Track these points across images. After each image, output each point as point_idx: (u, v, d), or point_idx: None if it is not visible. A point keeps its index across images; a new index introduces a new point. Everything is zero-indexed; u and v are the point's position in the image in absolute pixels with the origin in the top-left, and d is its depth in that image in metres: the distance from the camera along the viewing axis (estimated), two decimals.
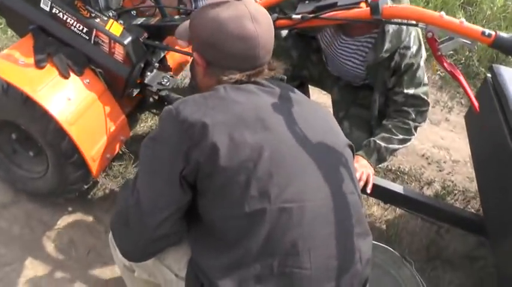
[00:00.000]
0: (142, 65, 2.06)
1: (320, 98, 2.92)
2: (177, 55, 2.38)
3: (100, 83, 2.00)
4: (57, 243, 2.14)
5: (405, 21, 1.69)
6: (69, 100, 1.89)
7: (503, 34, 1.38)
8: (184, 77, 3.07)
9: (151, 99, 2.30)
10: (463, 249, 2.39)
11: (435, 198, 2.63)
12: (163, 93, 2.12)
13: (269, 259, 1.18)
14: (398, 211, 2.49)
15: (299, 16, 1.72)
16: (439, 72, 3.59)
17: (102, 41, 1.93)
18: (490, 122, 2.11)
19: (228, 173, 1.17)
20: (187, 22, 1.42)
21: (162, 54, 2.22)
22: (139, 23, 2.06)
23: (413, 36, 1.93)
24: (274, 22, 1.52)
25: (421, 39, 1.96)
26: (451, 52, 3.68)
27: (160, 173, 1.22)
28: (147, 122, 2.75)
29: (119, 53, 1.94)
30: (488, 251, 2.31)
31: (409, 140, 2.05)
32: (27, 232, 2.16)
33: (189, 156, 1.17)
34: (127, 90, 2.08)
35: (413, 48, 1.93)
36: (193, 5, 2.23)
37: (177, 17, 2.11)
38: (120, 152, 2.31)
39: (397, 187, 2.21)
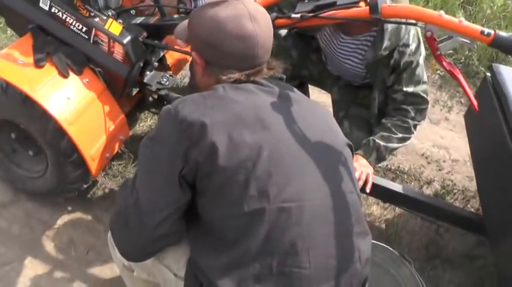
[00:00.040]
0: (141, 64, 2.06)
1: (320, 97, 2.92)
2: (177, 54, 2.38)
3: (99, 82, 2.00)
4: (57, 242, 2.14)
5: (404, 20, 1.69)
6: (69, 99, 1.89)
7: (503, 33, 1.38)
8: (183, 77, 3.07)
9: (150, 99, 2.29)
10: (462, 248, 2.39)
11: (435, 197, 2.62)
12: (162, 92, 2.11)
13: (268, 258, 1.17)
14: (398, 210, 2.49)
15: (298, 15, 1.73)
16: (438, 71, 3.58)
17: (102, 40, 1.93)
18: (490, 121, 2.10)
19: (227, 173, 1.17)
20: (186, 21, 1.41)
21: (162, 54, 2.22)
22: (138, 22, 2.06)
23: (413, 34, 1.93)
24: (273, 21, 1.53)
25: (420, 37, 1.95)
26: (451, 51, 3.67)
27: (160, 173, 1.22)
28: (147, 122, 2.75)
29: (118, 52, 1.94)
30: (488, 250, 2.30)
31: (409, 138, 2.05)
32: (27, 231, 2.16)
33: (188, 155, 1.17)
34: (126, 90, 2.08)
35: (413, 46, 1.93)
36: (192, 4, 2.23)
37: (176, 16, 2.11)
38: (120, 152, 2.32)
39: (397, 186, 2.21)
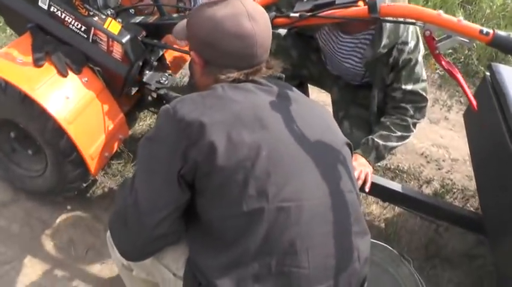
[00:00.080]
0: (140, 64, 2.06)
1: (320, 97, 2.92)
2: (176, 53, 2.38)
3: (98, 81, 2.00)
4: (56, 241, 2.14)
5: (403, 19, 1.69)
6: (68, 99, 1.89)
7: (501, 32, 1.38)
8: (183, 76, 3.08)
9: (149, 98, 2.29)
10: (462, 247, 2.39)
11: (434, 196, 2.63)
12: (161, 91, 2.12)
13: (267, 258, 1.17)
14: (397, 209, 2.49)
15: (297, 14, 1.73)
16: (438, 70, 3.59)
17: (101, 40, 1.93)
18: (489, 121, 2.10)
19: (226, 173, 1.17)
20: (184, 21, 1.41)
21: (161, 53, 2.22)
22: (137, 21, 2.06)
23: (411, 32, 1.93)
24: (271, 20, 1.53)
25: (419, 35, 1.95)
26: (450, 51, 3.67)
27: (158, 173, 1.22)
28: (146, 121, 2.75)
29: (117, 51, 1.94)
30: (487, 250, 2.30)
31: (408, 137, 2.04)
32: (27, 231, 2.16)
33: (187, 155, 1.17)
34: (125, 89, 2.08)
35: (411, 44, 1.93)
36: (192, 3, 2.23)
37: (175, 15, 2.11)
38: (119, 151, 2.32)
39: (396, 186, 2.21)
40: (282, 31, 2.23)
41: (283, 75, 1.42)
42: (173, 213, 1.23)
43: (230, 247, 1.19)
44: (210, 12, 1.28)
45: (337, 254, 1.24)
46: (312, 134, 1.30)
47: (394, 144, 2.01)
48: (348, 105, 2.23)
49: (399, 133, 2.01)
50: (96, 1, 1.94)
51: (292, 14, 1.74)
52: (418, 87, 1.99)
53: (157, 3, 2.08)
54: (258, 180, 1.17)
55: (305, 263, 1.19)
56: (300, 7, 1.76)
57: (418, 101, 2.02)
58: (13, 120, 2.00)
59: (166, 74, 2.18)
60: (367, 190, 1.86)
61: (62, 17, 1.92)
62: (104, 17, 1.94)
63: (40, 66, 1.88)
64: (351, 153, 1.44)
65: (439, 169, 2.86)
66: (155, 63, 2.19)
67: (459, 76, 1.51)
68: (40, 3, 1.92)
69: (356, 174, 1.81)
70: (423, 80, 2.01)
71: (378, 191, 2.08)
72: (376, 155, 1.98)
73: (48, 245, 2.13)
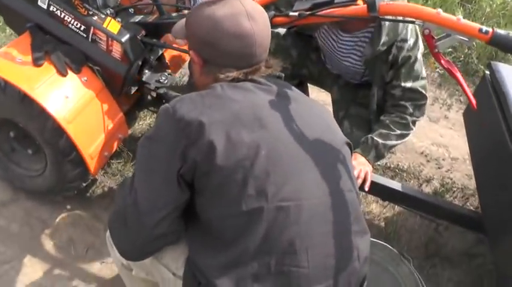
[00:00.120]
0: (140, 63, 2.06)
1: (319, 96, 2.92)
2: (176, 52, 2.37)
3: (98, 80, 2.00)
4: (56, 241, 2.14)
5: (402, 18, 1.69)
6: (67, 98, 1.89)
7: (501, 31, 1.38)
8: (183, 75, 3.08)
9: (149, 97, 2.29)
10: (461, 246, 2.39)
11: (434, 195, 2.63)
12: (161, 91, 2.12)
13: (266, 257, 1.17)
14: (397, 208, 2.49)
15: (296, 13, 1.72)
16: (437, 69, 3.59)
17: (100, 39, 1.93)
18: (489, 119, 2.10)
19: (225, 172, 1.16)
20: (183, 20, 1.41)
21: (160, 52, 2.22)
22: (137, 20, 2.06)
23: (411, 29, 1.92)
24: (271, 20, 1.52)
25: (419, 32, 1.95)
26: (450, 49, 3.68)
27: (158, 172, 1.21)
28: (146, 120, 2.75)
29: (116, 50, 1.94)
30: (487, 249, 2.30)
31: (407, 135, 2.04)
32: (26, 230, 2.16)
33: (186, 155, 1.17)
34: (125, 88, 2.08)
35: (411, 41, 1.93)
36: (191, 3, 2.23)
37: (174, 14, 2.11)
38: (119, 150, 2.32)
39: (396, 185, 2.21)
40: (282, 30, 2.23)
41: (283, 75, 1.41)
42: (173, 213, 1.23)
43: (229, 246, 1.19)
44: (209, 11, 1.28)
45: (336, 253, 1.24)
46: (312, 134, 1.30)
47: (393, 142, 2.00)
48: (348, 104, 2.23)
49: (398, 131, 2.01)
50: (96, 0, 1.94)
51: (291, 13, 1.74)
52: (417, 84, 1.99)
53: (157, 2, 2.08)
54: (257, 179, 1.17)
55: (304, 263, 1.19)
56: (299, 6, 1.76)
57: (418, 98, 2.01)
58: (12, 119, 1.99)
59: (166, 74, 2.18)
60: (366, 188, 1.86)
61: (61, 16, 1.92)
62: (103, 16, 1.94)
63: (39, 65, 1.88)
64: (351, 152, 1.43)
65: (438, 167, 2.86)
66: (155, 62, 2.19)
67: (458, 75, 1.51)
68: (39, 3, 1.92)
69: (356, 173, 1.81)
70: (423, 78, 2.00)
71: (377, 190, 2.08)
72: (376, 153, 1.98)
73: (48, 244, 2.13)
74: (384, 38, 1.88)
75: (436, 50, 1.50)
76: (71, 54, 1.94)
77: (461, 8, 4.05)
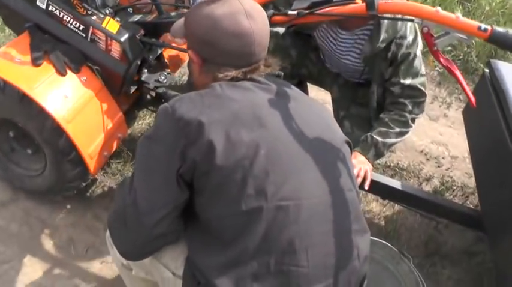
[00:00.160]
0: (139, 62, 2.06)
1: (319, 95, 2.92)
2: (175, 52, 2.37)
3: (97, 80, 2.00)
4: (56, 240, 2.14)
5: (400, 16, 1.69)
6: (66, 98, 1.88)
7: (499, 29, 1.38)
8: (182, 75, 3.07)
9: (148, 97, 2.29)
10: (461, 244, 2.39)
11: (434, 194, 2.63)
12: (160, 90, 2.12)
13: (266, 257, 1.17)
14: (397, 207, 2.49)
15: (295, 12, 1.72)
16: (437, 68, 3.59)
17: (99, 39, 1.93)
18: (488, 117, 2.10)
19: (225, 172, 1.16)
20: (182, 19, 1.41)
21: (159, 52, 2.22)
22: (135, 20, 2.06)
23: (410, 26, 1.92)
24: (269, 18, 1.52)
25: (418, 29, 1.95)
26: (450, 48, 3.68)
27: (157, 172, 1.21)
28: (145, 120, 2.75)
29: (115, 50, 1.94)
30: (487, 247, 2.30)
31: (407, 133, 2.04)
32: (26, 230, 2.16)
33: (186, 154, 1.17)
34: (124, 88, 2.08)
35: (410, 38, 1.92)
36: (191, 1, 2.23)
37: (173, 13, 2.11)
38: (118, 150, 2.32)
39: (396, 183, 2.21)
40: (280, 30, 2.23)
41: (282, 73, 1.41)
42: (172, 212, 1.23)
43: (229, 246, 1.19)
44: (208, 10, 1.27)
45: (336, 252, 1.24)
46: (311, 133, 1.30)
47: (393, 140, 2.00)
48: (348, 103, 2.23)
49: (398, 129, 2.00)
50: (94, 0, 1.93)
51: (290, 12, 1.74)
52: (416, 81, 1.99)
53: (156, 1, 2.08)
54: (257, 179, 1.17)
55: (304, 262, 1.19)
56: (298, 5, 1.76)
57: (417, 96, 2.01)
58: (12, 119, 1.99)
59: (165, 73, 2.18)
60: (366, 187, 1.86)
61: (60, 16, 1.92)
62: (102, 16, 1.93)
63: (38, 65, 1.88)
64: (350, 151, 1.43)
65: (438, 166, 2.86)
66: (154, 62, 2.19)
67: (457, 73, 1.51)
68: (38, 3, 1.92)
69: (355, 171, 1.81)
70: (422, 75, 2.00)
71: (377, 188, 2.08)
72: (375, 152, 1.97)
73: (48, 244, 2.13)
74: (383, 35, 1.88)
75: (435, 48, 1.50)
76: (70, 54, 1.94)
77: (461, 7, 4.05)
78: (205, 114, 1.18)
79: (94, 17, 1.92)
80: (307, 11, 1.70)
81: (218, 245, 1.21)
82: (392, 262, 1.86)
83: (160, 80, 2.14)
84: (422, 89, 2.00)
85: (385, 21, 1.86)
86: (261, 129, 1.22)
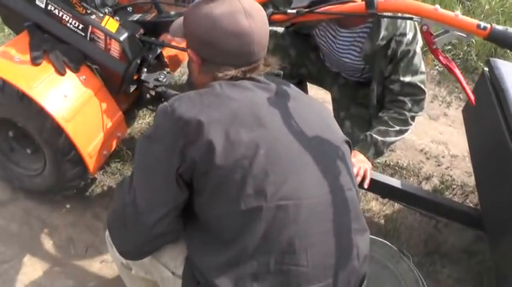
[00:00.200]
0: (138, 62, 2.06)
1: (318, 94, 2.92)
2: (174, 51, 2.37)
3: (96, 79, 2.00)
4: (56, 240, 2.14)
5: (400, 14, 1.69)
6: (66, 97, 1.88)
7: (499, 27, 1.38)
8: (182, 74, 3.07)
9: (148, 96, 2.29)
10: (461, 243, 2.39)
11: (433, 193, 2.62)
12: (160, 89, 2.12)
13: (265, 256, 1.17)
14: (397, 205, 2.50)
15: (294, 11, 1.72)
16: (437, 67, 3.58)
17: (98, 38, 1.93)
18: (488, 116, 2.10)
19: (224, 171, 1.16)
20: (181, 19, 1.40)
21: (159, 51, 2.22)
22: (135, 19, 2.05)
23: (409, 24, 1.92)
24: (269, 17, 1.52)
25: (417, 26, 1.95)
26: (449, 47, 3.67)
27: (157, 171, 1.21)
28: (145, 119, 2.74)
29: (115, 49, 1.94)
30: (487, 246, 2.30)
31: (406, 131, 2.03)
32: (26, 230, 2.16)
33: (185, 154, 1.17)
34: (123, 87, 2.08)
35: (410, 35, 1.92)
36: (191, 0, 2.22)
37: (173, 13, 2.10)
38: (118, 149, 2.32)
39: (396, 182, 2.21)
40: (280, 29, 2.22)
41: (281, 72, 1.41)
42: (172, 212, 1.23)
43: (228, 245, 1.19)
44: (207, 10, 1.27)
45: (336, 252, 1.24)
46: (311, 132, 1.30)
47: (392, 139, 2.00)
48: (349, 103, 2.23)
49: (397, 127, 2.00)
50: None
51: (289, 11, 1.74)
52: (416, 79, 1.98)
53: (155, 0, 2.08)
54: (256, 179, 1.17)
55: (304, 262, 1.19)
56: (297, 3, 1.76)
57: (416, 93, 2.01)
58: (11, 119, 1.99)
59: (165, 72, 2.18)
60: (366, 186, 1.86)
61: (60, 15, 1.92)
62: (101, 15, 1.93)
63: (38, 64, 1.87)
64: (350, 150, 1.43)
65: (438, 165, 2.86)
66: (153, 61, 2.18)
67: (457, 71, 1.50)
68: (37, 2, 1.92)
69: (355, 170, 1.80)
70: (421, 72, 2.00)
71: (377, 187, 2.09)
72: (375, 151, 1.97)
73: (48, 244, 2.13)
74: (383, 33, 1.87)
75: (435, 47, 1.50)
76: (69, 53, 1.93)
77: (461, 6, 4.05)
78: (204, 114, 1.18)
79: (93, 16, 1.92)
80: (306, 10, 1.70)
81: (218, 245, 1.21)
82: (392, 260, 1.86)
83: (159, 79, 2.14)
84: (422, 86, 2.00)
85: (385, 19, 1.86)
86: (261, 128, 1.21)
